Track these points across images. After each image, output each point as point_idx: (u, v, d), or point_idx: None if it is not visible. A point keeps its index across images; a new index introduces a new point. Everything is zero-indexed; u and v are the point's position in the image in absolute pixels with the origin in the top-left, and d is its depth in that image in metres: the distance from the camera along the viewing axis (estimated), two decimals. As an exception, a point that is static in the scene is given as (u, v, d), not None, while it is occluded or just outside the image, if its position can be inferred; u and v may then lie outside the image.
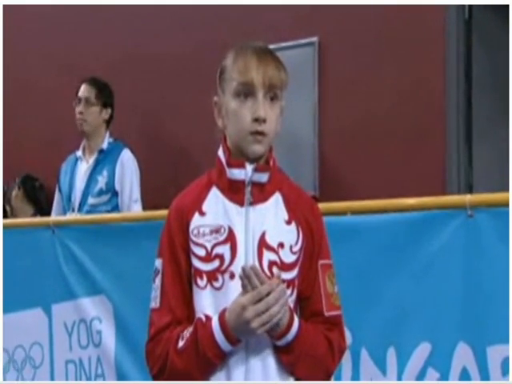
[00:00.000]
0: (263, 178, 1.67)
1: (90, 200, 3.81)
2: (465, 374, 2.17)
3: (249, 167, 1.67)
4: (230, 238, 1.65)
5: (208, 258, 1.65)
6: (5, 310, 3.16)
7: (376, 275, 2.29)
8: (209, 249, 1.65)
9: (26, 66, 4.69)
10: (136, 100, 4.26)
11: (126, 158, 3.83)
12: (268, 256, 1.65)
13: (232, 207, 1.67)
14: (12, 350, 3.18)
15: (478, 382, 2.07)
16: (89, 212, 3.76)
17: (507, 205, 2.11)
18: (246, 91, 1.65)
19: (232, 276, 1.64)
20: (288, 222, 1.68)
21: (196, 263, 1.66)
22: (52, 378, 3.11)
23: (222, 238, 1.65)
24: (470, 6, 3.56)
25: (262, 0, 3.88)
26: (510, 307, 2.03)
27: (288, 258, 1.67)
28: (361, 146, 3.67)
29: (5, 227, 3.26)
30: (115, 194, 3.80)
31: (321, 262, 1.71)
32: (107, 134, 3.91)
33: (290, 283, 1.66)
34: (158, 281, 1.70)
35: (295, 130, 3.83)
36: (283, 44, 3.79)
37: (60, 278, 2.99)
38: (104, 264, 2.91)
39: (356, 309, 2.29)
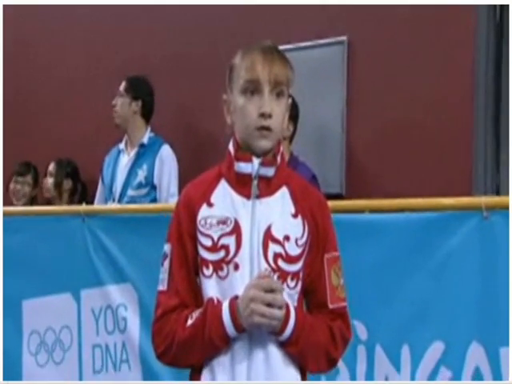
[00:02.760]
0: (269, 172, 1.71)
1: (130, 192, 3.88)
2: (477, 374, 2.17)
3: (255, 161, 1.71)
4: (236, 230, 1.69)
5: (214, 248, 1.69)
6: (36, 294, 3.22)
7: (392, 273, 2.30)
8: (215, 239, 1.69)
9: (71, 66, 4.76)
10: (175, 97, 4.29)
11: (166, 153, 3.88)
12: (273, 248, 1.68)
13: (239, 200, 1.71)
14: (43, 332, 3.24)
15: (478, 382, 2.06)
16: (128, 203, 3.82)
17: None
18: (252, 88, 1.69)
19: (236, 267, 1.68)
20: (294, 216, 1.71)
21: (202, 253, 1.70)
22: (80, 362, 3.15)
23: (228, 230, 1.69)
24: (502, 9, 3.51)
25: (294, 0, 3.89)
26: (509, 306, 2.01)
27: (293, 250, 1.70)
28: (388, 146, 3.64)
29: (37, 214, 3.34)
30: (154, 187, 3.85)
31: (326, 255, 1.74)
32: (148, 129, 3.98)
33: (294, 275, 1.70)
34: (166, 264, 1.74)
35: (323, 128, 3.83)
36: (313, 42, 3.80)
37: (89, 265, 3.04)
38: (131, 253, 2.95)
39: (372, 306, 2.31)
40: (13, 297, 3.26)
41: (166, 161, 3.87)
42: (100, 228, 3.04)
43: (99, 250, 3.04)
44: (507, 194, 3.16)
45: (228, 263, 1.68)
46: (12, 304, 3.26)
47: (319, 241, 1.73)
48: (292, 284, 1.69)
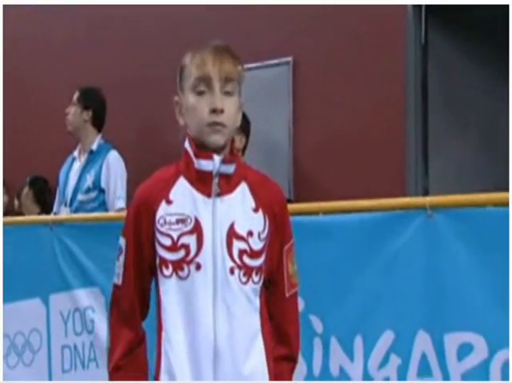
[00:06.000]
0: (230, 169, 1.55)
1: (80, 196, 3.69)
2: (424, 360, 2.08)
3: (217, 159, 1.54)
4: (197, 229, 1.52)
5: (174, 248, 1.51)
6: (6, 300, 3.04)
7: (345, 270, 2.19)
8: (175, 238, 1.51)
9: (42, 87, 4.61)
10: (134, 113, 4.18)
11: (112, 158, 3.69)
12: (238, 245, 1.53)
13: (199, 198, 1.54)
14: (13, 335, 3.07)
15: (480, 382, 1.97)
16: (78, 207, 3.65)
17: (463, 206, 2.04)
18: (203, 85, 1.53)
19: (198, 267, 1.51)
20: (255, 210, 1.56)
21: (161, 252, 1.52)
22: (49, 362, 2.99)
23: (187, 229, 1.51)
24: (426, 33, 3.52)
25: (242, 23, 3.84)
26: (510, 309, 1.92)
27: (256, 245, 1.55)
28: (330, 155, 3.61)
29: (7, 224, 3.14)
30: (102, 191, 3.66)
31: (285, 246, 1.60)
32: (98, 137, 3.80)
33: (258, 270, 1.55)
34: (121, 259, 1.57)
35: (272, 140, 3.77)
36: (261, 63, 3.74)
37: (57, 271, 2.88)
38: (97, 259, 2.79)
39: (327, 301, 2.21)
40: (-16, 303, 3.07)
41: (113, 165, 3.67)
42: (67, 236, 2.88)
43: (67, 257, 2.87)
44: (436, 194, 3.13)
45: (189, 263, 1.51)
46: (-17, 310, 3.07)
47: (278, 232, 1.58)
48: (256, 279, 1.55)
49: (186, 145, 1.57)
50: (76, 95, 3.83)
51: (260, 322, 1.57)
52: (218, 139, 1.53)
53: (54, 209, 3.88)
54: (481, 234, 1.98)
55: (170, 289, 1.52)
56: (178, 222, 1.52)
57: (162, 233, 1.53)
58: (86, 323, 2.84)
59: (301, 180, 3.68)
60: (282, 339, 1.60)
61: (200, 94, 1.53)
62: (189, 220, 1.52)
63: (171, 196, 1.54)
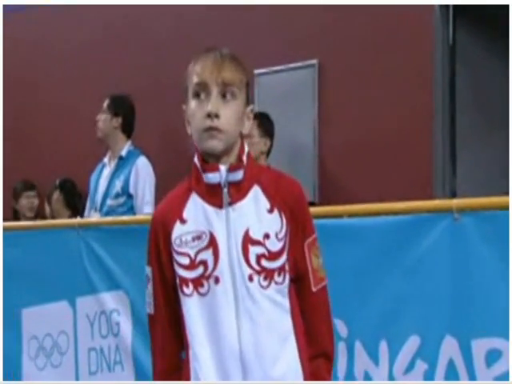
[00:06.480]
0: (238, 176, 1.53)
1: (109, 201, 3.74)
2: (451, 366, 2.03)
3: (223, 169, 1.52)
4: (212, 243, 1.51)
5: (192, 266, 1.51)
6: (35, 302, 3.07)
7: (370, 273, 2.16)
8: (192, 256, 1.51)
9: (70, 92, 4.67)
10: (160, 118, 4.20)
11: (141, 164, 3.72)
12: (254, 250, 1.51)
13: (212, 211, 1.52)
14: (42, 337, 3.09)
15: (481, 382, 1.92)
16: (108, 212, 3.68)
17: (490, 208, 1.99)
18: (201, 91, 1.52)
19: (217, 280, 1.50)
20: (270, 211, 1.53)
21: (180, 272, 1.52)
22: (76, 364, 3.00)
23: (204, 244, 1.51)
24: (454, 33, 3.47)
25: (267, 26, 3.83)
26: (510, 309, 1.87)
27: (275, 246, 1.52)
28: (356, 157, 3.57)
29: (36, 228, 3.18)
30: (130, 196, 3.70)
31: (307, 241, 1.57)
32: (128, 143, 3.84)
33: (280, 270, 1.52)
34: (150, 288, 1.58)
35: (297, 143, 3.75)
36: (286, 66, 3.73)
37: (84, 274, 2.89)
38: (123, 262, 2.80)
39: (352, 304, 2.17)
40: (14, 305, 3.10)
41: (142, 171, 3.70)
42: (94, 239, 2.89)
43: (93, 260, 2.88)
44: (464, 195, 3.07)
45: (208, 278, 1.50)
46: (13, 312, 3.10)
47: (298, 229, 1.55)
48: (280, 279, 1.52)
49: (195, 159, 1.57)
50: (106, 102, 3.87)
51: (292, 322, 1.54)
52: (214, 145, 1.51)
53: (86, 214, 3.91)
54: (508, 237, 1.93)
55: (192, 306, 1.52)
56: (193, 239, 1.52)
57: (179, 253, 1.53)
58: (111, 326, 2.84)
59: (326, 182, 3.65)
60: (313, 336, 1.58)
61: (199, 100, 1.53)
62: (204, 236, 1.51)
63: (185, 214, 1.54)
